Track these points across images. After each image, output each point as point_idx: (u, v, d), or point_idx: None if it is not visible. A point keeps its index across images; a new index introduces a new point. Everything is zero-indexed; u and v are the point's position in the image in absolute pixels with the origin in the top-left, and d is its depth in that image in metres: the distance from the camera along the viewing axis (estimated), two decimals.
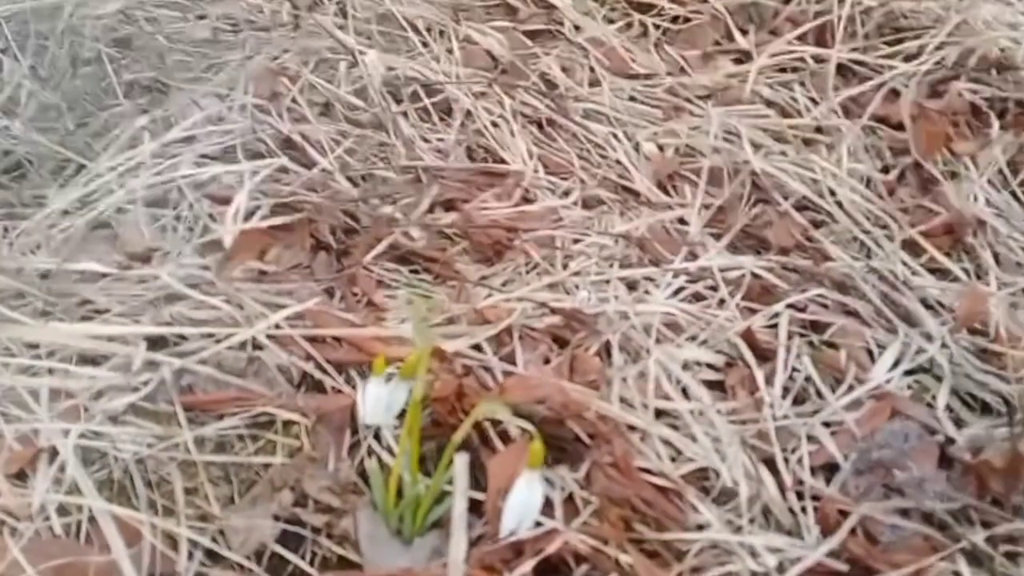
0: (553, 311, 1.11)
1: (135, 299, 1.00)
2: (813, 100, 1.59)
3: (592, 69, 1.55)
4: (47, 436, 0.85)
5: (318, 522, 0.85)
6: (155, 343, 0.97)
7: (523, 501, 0.75)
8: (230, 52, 1.55)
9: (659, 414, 1.00)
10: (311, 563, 0.85)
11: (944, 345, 1.13)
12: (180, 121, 1.34)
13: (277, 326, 0.99)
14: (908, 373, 1.11)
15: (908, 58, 1.63)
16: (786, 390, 1.08)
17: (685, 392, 1.03)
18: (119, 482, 0.84)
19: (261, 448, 0.91)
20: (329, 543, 0.85)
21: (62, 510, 0.80)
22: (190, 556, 0.80)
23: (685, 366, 1.06)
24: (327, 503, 0.86)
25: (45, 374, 0.91)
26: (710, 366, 1.09)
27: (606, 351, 1.06)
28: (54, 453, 0.84)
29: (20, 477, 0.82)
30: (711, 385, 1.07)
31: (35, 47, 1.42)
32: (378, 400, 0.80)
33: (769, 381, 1.09)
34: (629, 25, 1.74)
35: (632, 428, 0.96)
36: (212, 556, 0.82)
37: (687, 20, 1.76)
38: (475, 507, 0.86)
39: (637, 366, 1.04)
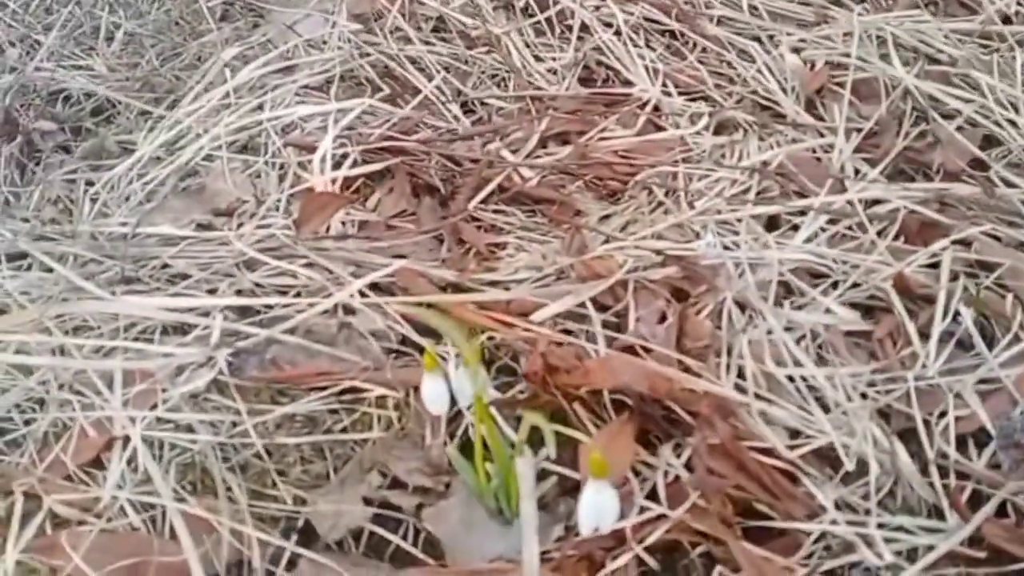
0: (669, 260, 1.09)
1: (217, 263, 1.03)
2: None
3: None
4: (121, 423, 0.89)
5: (408, 505, 0.87)
6: (238, 312, 1.00)
7: (593, 507, 0.75)
8: None
9: (784, 380, 0.97)
10: (414, 543, 0.86)
11: None
12: (276, 48, 1.36)
13: (362, 293, 1.00)
14: None
15: None
16: (941, 344, 1.03)
17: (817, 353, 0.99)
18: (201, 467, 0.87)
19: (356, 421, 0.93)
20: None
21: (135, 504, 0.84)
22: (274, 546, 0.83)
23: (818, 325, 1.02)
24: (419, 484, 0.88)
25: (120, 353, 0.94)
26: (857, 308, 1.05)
27: (726, 310, 1.03)
28: (127, 441, 0.88)
29: (95, 465, 0.87)
30: (857, 339, 1.04)
31: None
32: (437, 395, 0.81)
33: (923, 334, 1.04)
34: None
35: (745, 404, 0.94)
36: (305, 540, 0.85)
37: None
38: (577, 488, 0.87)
39: (759, 328, 1.01)
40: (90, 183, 1.17)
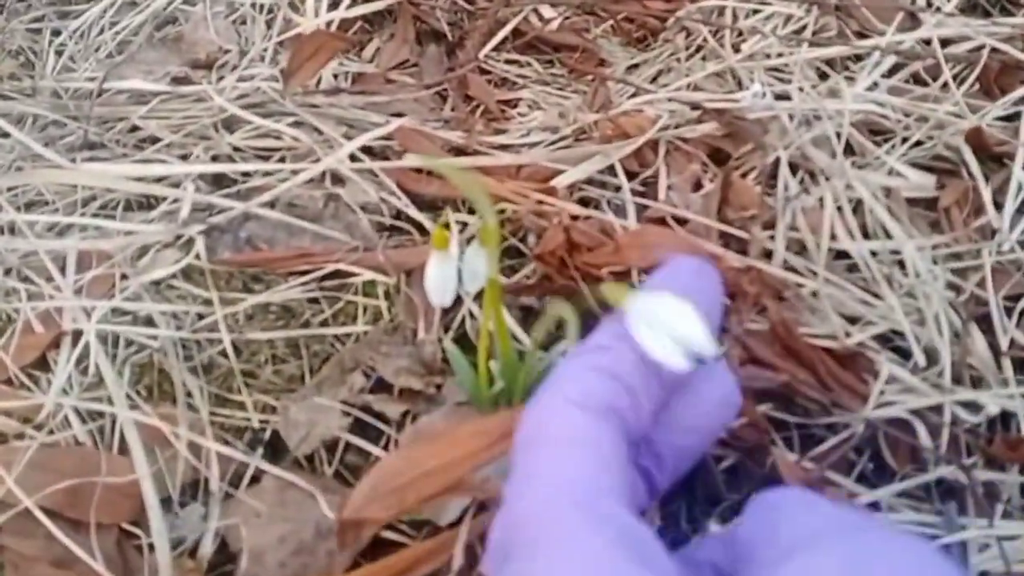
0: (708, 115, 0.91)
1: (192, 123, 0.88)
2: None
3: None
4: (72, 315, 0.75)
5: (394, 412, 0.73)
6: (213, 182, 0.85)
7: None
8: None
9: (838, 256, 0.81)
10: None
11: None
12: None
13: (354, 157, 0.84)
14: None
15: None
16: (1019, 214, 0.86)
17: (881, 225, 0.82)
18: (160, 368, 0.74)
19: (339, 312, 0.79)
20: None
21: (81, 413, 0.71)
22: (236, 462, 0.70)
23: (881, 189, 0.84)
24: (407, 386, 0.74)
25: (76, 232, 0.80)
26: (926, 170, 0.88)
27: (780, 174, 0.86)
28: (78, 337, 0.74)
29: (40, 367, 0.74)
30: (920, 207, 0.87)
31: None
32: (444, 281, 0.65)
33: (998, 200, 0.86)
34: None
35: (799, 285, 0.77)
36: (273, 453, 0.72)
37: None
38: None
39: (813, 194, 0.83)
40: (56, 32, 1.01)
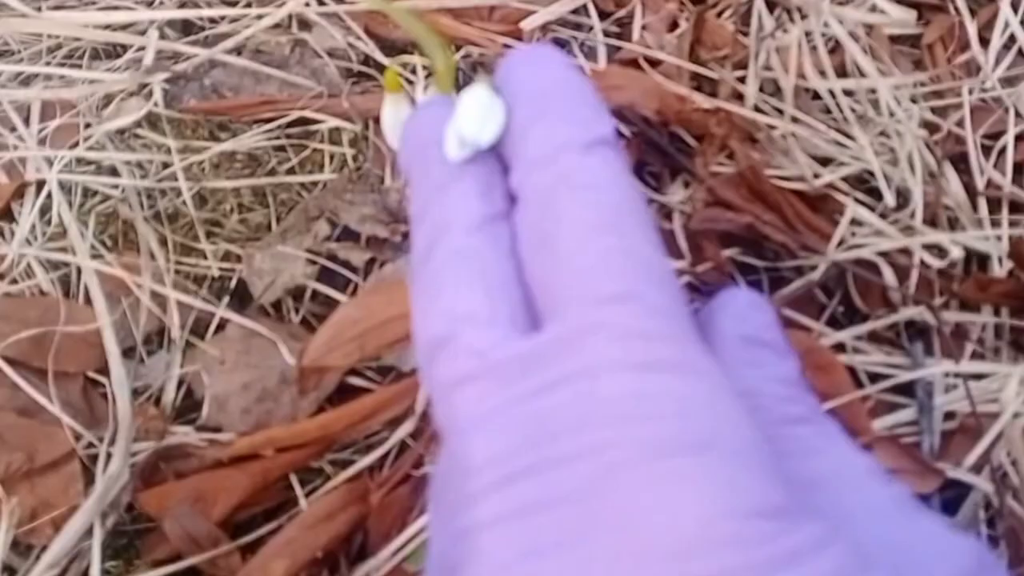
0: None
1: None
2: None
3: None
4: (36, 165, 0.71)
5: (359, 260, 0.69)
6: (179, 28, 0.79)
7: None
8: None
9: (816, 97, 0.75)
10: None
11: None
12: None
13: (320, 1, 0.78)
14: None
15: None
16: (1004, 51, 0.80)
17: (855, 63, 0.76)
18: (124, 219, 0.70)
19: (306, 160, 0.74)
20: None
21: (44, 263, 0.67)
22: (199, 310, 0.67)
23: (862, 26, 0.78)
24: (372, 234, 0.70)
25: (40, 81, 0.75)
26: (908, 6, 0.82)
27: (754, 11, 0.79)
28: (41, 187, 0.70)
29: (3, 217, 0.70)
30: (905, 44, 0.81)
31: None
32: (398, 124, 0.60)
33: (984, 36, 0.80)
34: None
35: (771, 127, 0.72)
36: (238, 303, 0.68)
37: None
38: None
39: (790, 33, 0.77)
40: None
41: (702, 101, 0.71)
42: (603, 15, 0.82)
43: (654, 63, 0.77)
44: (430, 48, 0.57)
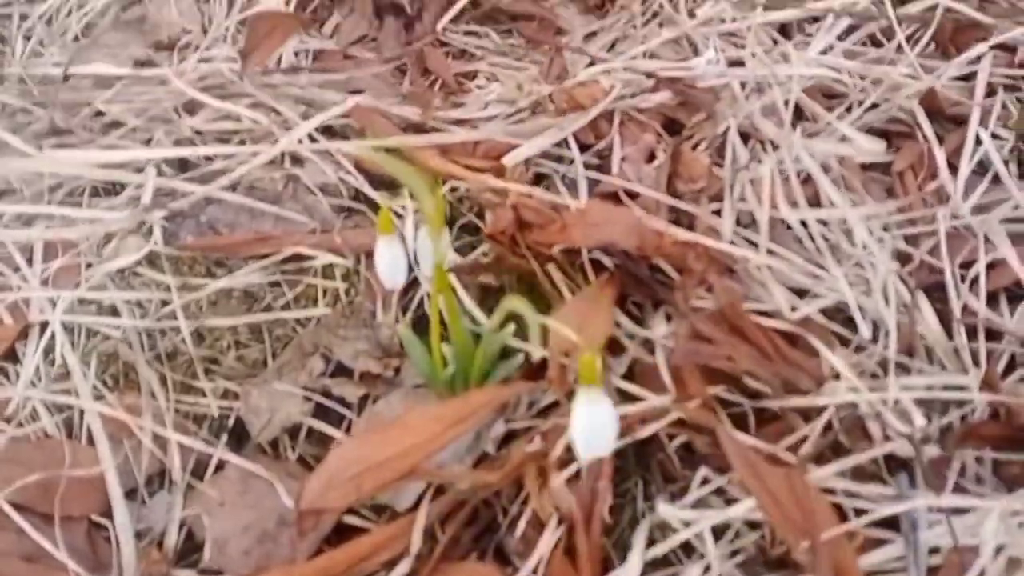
0: (662, 84, 0.86)
1: (154, 106, 0.83)
2: None
3: None
4: (39, 306, 0.72)
5: (353, 395, 0.70)
6: (175, 166, 0.81)
7: (587, 427, 0.53)
8: None
9: (790, 227, 0.77)
10: None
11: None
12: None
13: (312, 138, 0.80)
14: None
15: None
16: (974, 176, 0.81)
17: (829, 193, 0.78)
18: (124, 362, 0.70)
19: (300, 295, 0.75)
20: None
21: (49, 406, 0.68)
22: (197, 451, 0.67)
23: (833, 157, 0.80)
24: (365, 370, 0.71)
25: (42, 221, 0.76)
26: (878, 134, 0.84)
27: (728, 143, 0.81)
28: (45, 328, 0.71)
29: (8, 358, 0.71)
30: (876, 172, 0.82)
31: None
32: (393, 264, 0.62)
33: (952, 165, 0.82)
34: None
35: (747, 259, 0.73)
36: (237, 440, 0.69)
37: None
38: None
39: (765, 163, 0.79)
40: (24, 16, 0.96)
41: (680, 234, 0.73)
42: (583, 147, 0.83)
43: (633, 195, 0.79)
44: (418, 192, 0.59)
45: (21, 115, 0.86)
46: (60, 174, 0.80)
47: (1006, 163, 0.82)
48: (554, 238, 0.71)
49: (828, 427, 0.66)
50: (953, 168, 0.82)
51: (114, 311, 0.73)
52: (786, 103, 0.83)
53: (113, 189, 0.81)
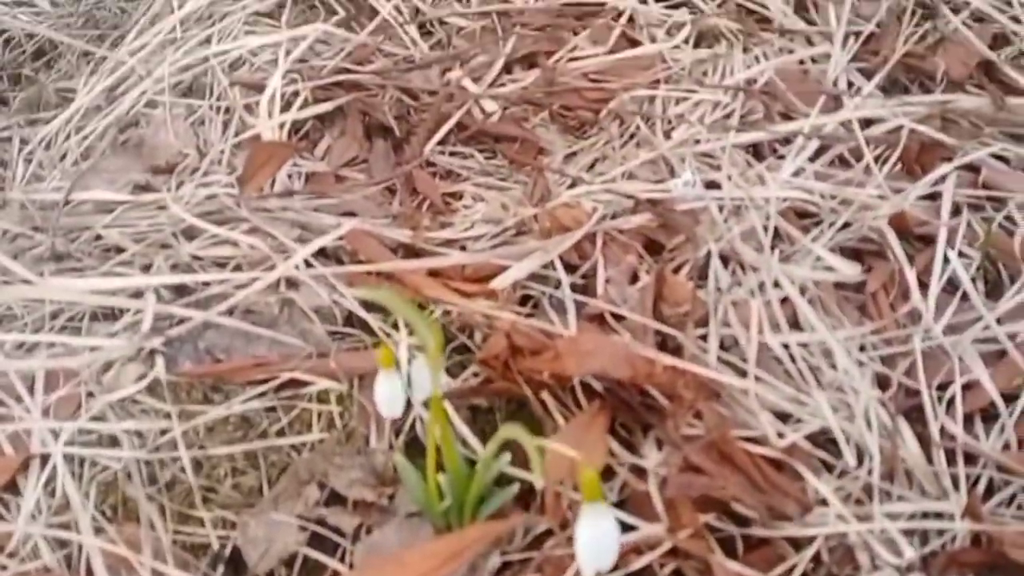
0: (642, 205, 0.88)
1: (153, 232, 0.84)
2: None
3: None
4: (40, 437, 0.71)
5: (348, 525, 0.70)
6: (174, 291, 0.81)
7: (592, 542, 0.54)
8: None
9: (773, 351, 0.77)
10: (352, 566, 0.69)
11: None
12: None
13: (308, 262, 0.80)
14: None
15: None
16: (944, 294, 0.82)
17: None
18: (123, 492, 0.70)
19: (295, 420, 0.75)
20: None
21: (50, 540, 0.67)
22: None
23: (808, 280, 0.81)
24: (360, 498, 0.71)
25: (43, 349, 0.76)
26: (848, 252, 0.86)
27: (711, 268, 0.83)
28: (46, 460, 0.70)
29: (9, 490, 0.70)
30: (850, 290, 0.83)
31: None
32: (392, 396, 0.63)
33: (922, 282, 0.83)
34: None
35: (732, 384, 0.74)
36: (234, 570, 0.68)
37: None
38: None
39: (745, 284, 0.80)
40: (25, 141, 0.97)
41: (669, 361, 0.74)
42: (569, 267, 0.84)
43: (619, 316, 0.80)
44: (419, 329, 0.60)
45: (22, 239, 0.86)
46: (60, 301, 0.80)
47: (974, 281, 0.84)
48: (547, 366, 0.72)
49: (817, 556, 0.66)
50: (924, 286, 0.83)
51: (114, 441, 0.73)
52: (764, 228, 0.84)
53: (112, 313, 0.81)
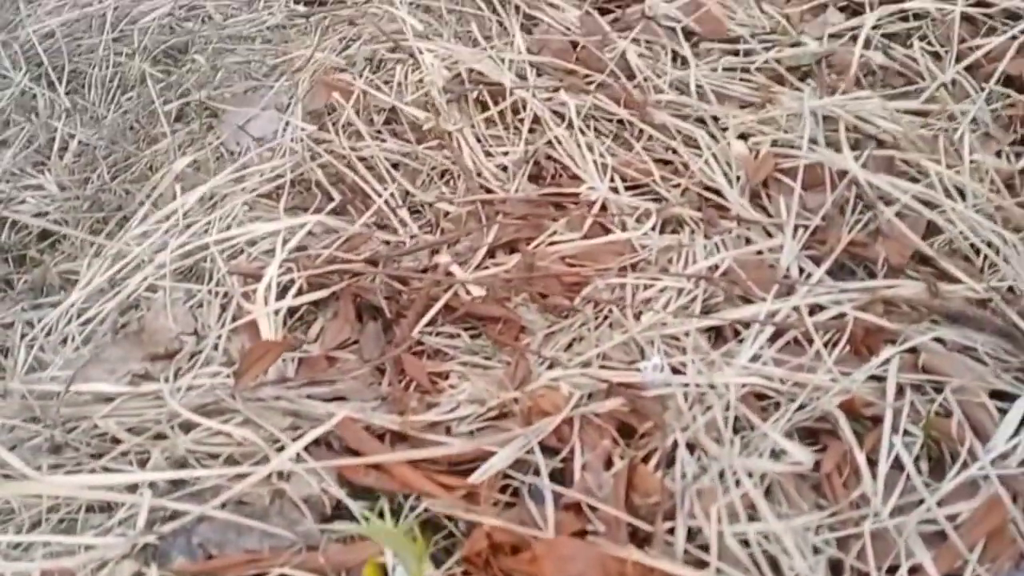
0: (615, 389, 0.89)
1: (151, 424, 0.84)
2: (936, 55, 1.27)
3: (675, 53, 1.26)
4: None
5: None
6: (169, 483, 0.81)
7: None
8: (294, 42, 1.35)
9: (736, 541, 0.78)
10: None
11: None
12: (228, 153, 1.15)
13: (299, 457, 0.80)
14: None
15: None
16: (892, 474, 0.84)
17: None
18: None
19: None
20: None
21: None
22: None
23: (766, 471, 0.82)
24: None
25: (39, 548, 0.75)
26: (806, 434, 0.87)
27: (679, 458, 0.83)
28: None
29: None
30: (806, 471, 0.84)
31: (73, 71, 1.23)
32: None
33: (872, 460, 0.84)
34: None
35: None
36: None
37: None
38: None
39: (710, 471, 0.81)
40: (29, 324, 0.97)
41: (640, 557, 0.74)
42: (548, 450, 0.85)
43: (595, 507, 0.80)
44: (404, 559, 0.60)
45: (20, 431, 0.86)
46: (58, 496, 0.79)
47: (917, 460, 0.86)
48: (526, 568, 0.72)
49: None
50: (873, 463, 0.85)
51: None
52: (725, 419, 0.85)
53: (108, 506, 0.80)
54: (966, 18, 1.29)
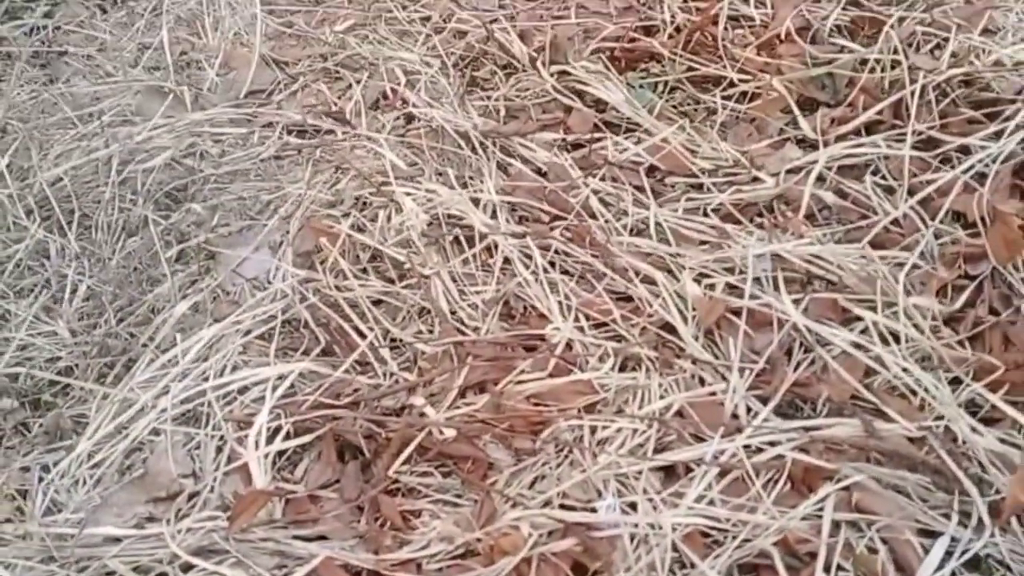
0: (570, 530, 1.05)
1: (154, 565, 1.00)
2: (890, 190, 1.44)
3: (635, 198, 1.43)
4: None
5: None
6: None
7: None
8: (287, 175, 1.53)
9: None
10: None
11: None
12: (224, 295, 1.33)
13: None
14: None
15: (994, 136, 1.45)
16: None
17: None
18: None
19: None
20: None
21: None
22: None
23: None
24: None
25: None
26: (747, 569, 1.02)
27: None
28: None
29: None
30: None
31: (82, 216, 1.42)
32: None
33: None
34: (693, 110, 1.62)
35: None
36: None
37: (755, 96, 1.63)
38: None
39: None
40: (45, 469, 1.14)
41: None
42: None
43: None
44: None
45: (38, 571, 1.02)
46: None
47: None
48: None
49: None
50: None
51: None
52: (663, 561, 1.01)
53: None
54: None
